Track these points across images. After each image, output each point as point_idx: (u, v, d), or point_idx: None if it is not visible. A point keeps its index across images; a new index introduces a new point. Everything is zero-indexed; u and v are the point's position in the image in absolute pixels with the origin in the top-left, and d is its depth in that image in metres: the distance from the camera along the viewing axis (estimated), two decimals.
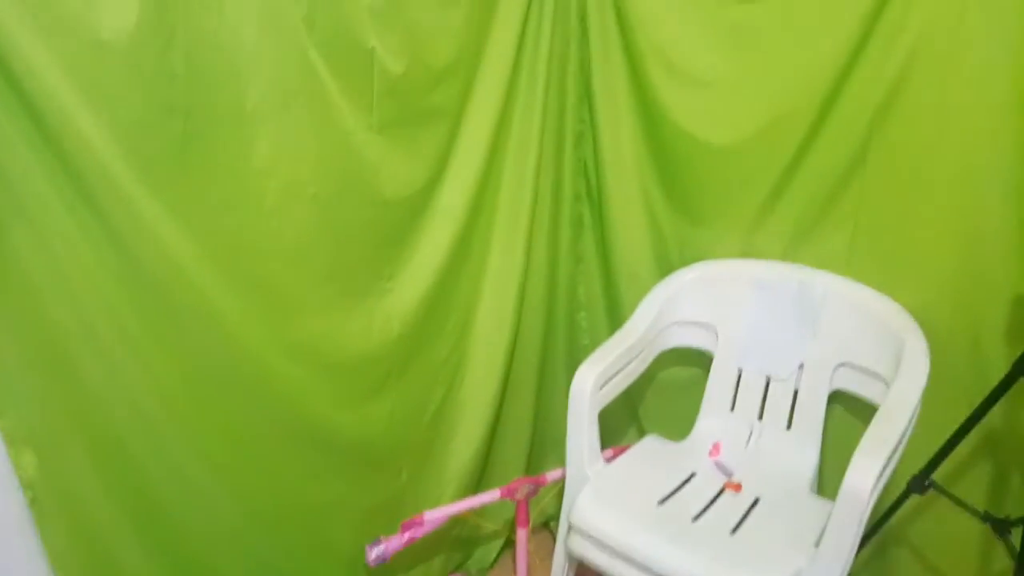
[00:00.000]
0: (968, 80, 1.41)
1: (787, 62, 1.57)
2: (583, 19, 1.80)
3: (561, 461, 1.65)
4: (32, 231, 1.08)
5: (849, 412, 1.73)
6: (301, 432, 1.51)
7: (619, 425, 2.13)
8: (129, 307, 1.20)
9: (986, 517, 1.42)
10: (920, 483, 1.45)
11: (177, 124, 1.16)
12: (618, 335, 1.73)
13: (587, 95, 1.87)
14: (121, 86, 1.08)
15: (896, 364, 1.48)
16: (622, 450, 1.79)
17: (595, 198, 1.97)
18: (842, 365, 1.65)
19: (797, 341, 1.71)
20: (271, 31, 1.23)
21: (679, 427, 1.83)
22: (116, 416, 1.25)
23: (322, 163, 1.39)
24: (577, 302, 2.11)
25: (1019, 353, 1.33)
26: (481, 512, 1.89)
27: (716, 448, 1.75)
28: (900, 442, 1.33)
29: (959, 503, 1.45)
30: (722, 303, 1.79)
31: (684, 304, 1.82)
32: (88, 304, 1.16)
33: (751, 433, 1.76)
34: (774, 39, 1.58)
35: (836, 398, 1.70)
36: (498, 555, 2.08)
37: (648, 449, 1.79)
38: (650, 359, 1.82)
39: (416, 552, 1.81)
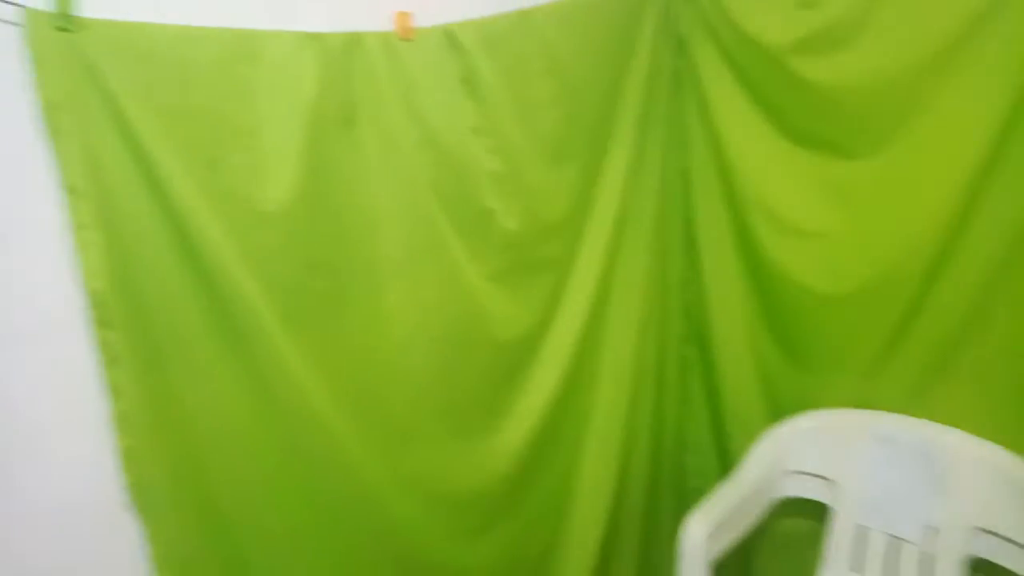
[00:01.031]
0: None
1: (894, 217, 1.58)
2: (685, 173, 1.89)
3: None
4: (188, 367, 1.21)
5: None
6: (411, 563, 1.54)
7: None
8: (264, 438, 1.31)
9: None
10: None
11: (319, 279, 1.31)
12: (729, 483, 1.68)
13: (692, 241, 1.93)
14: (275, 248, 1.24)
15: None
16: None
17: (702, 340, 1.99)
18: (980, 531, 1.52)
19: (924, 501, 1.60)
20: (404, 196, 1.38)
21: None
22: (245, 539, 1.33)
23: (442, 309, 1.50)
24: (685, 444, 2.08)
25: None
26: None
27: None
28: None
29: None
30: (840, 454, 1.71)
31: (799, 453, 1.75)
32: (228, 434, 1.27)
33: None
34: (879, 195, 1.60)
35: (980, 567, 1.56)
36: None
37: None
38: (763, 509, 1.75)
39: None
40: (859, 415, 1.73)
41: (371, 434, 1.42)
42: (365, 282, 1.37)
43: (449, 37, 1.39)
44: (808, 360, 1.80)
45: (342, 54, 1.26)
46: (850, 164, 1.64)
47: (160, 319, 1.16)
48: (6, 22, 0.97)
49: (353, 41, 1.27)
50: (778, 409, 1.84)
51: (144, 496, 1.18)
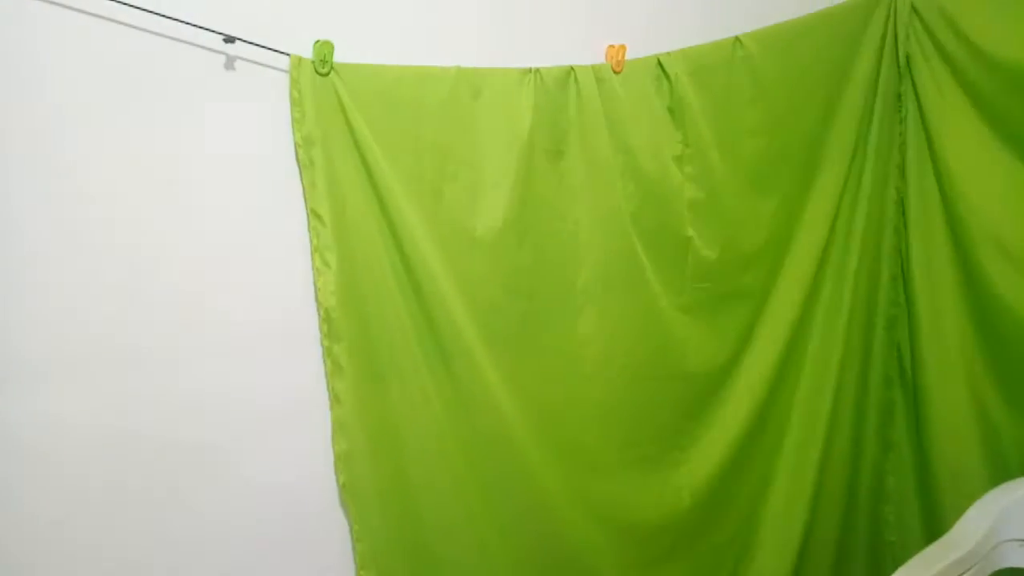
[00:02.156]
0: None
1: None
2: (901, 203, 1.75)
3: None
4: (400, 380, 1.29)
5: None
6: None
7: None
8: (460, 454, 1.36)
9: None
10: None
11: (520, 304, 1.35)
12: (941, 544, 1.53)
13: (902, 278, 1.79)
14: (483, 274, 1.30)
15: None
16: None
17: (909, 383, 1.83)
18: None
19: None
20: (603, 225, 1.40)
21: None
22: (438, 543, 1.39)
23: (633, 337, 1.49)
24: (884, 494, 1.92)
25: None
26: None
27: None
28: None
29: None
30: None
31: None
32: (429, 443, 1.34)
33: None
34: None
35: None
36: None
37: None
38: None
39: None
40: None
41: (557, 456, 1.44)
42: (561, 308, 1.40)
43: (658, 67, 1.40)
44: None
45: (556, 87, 1.30)
46: None
47: (379, 335, 1.25)
48: (275, 68, 1.09)
49: (567, 74, 1.31)
50: (1002, 465, 1.66)
51: (354, 496, 1.28)
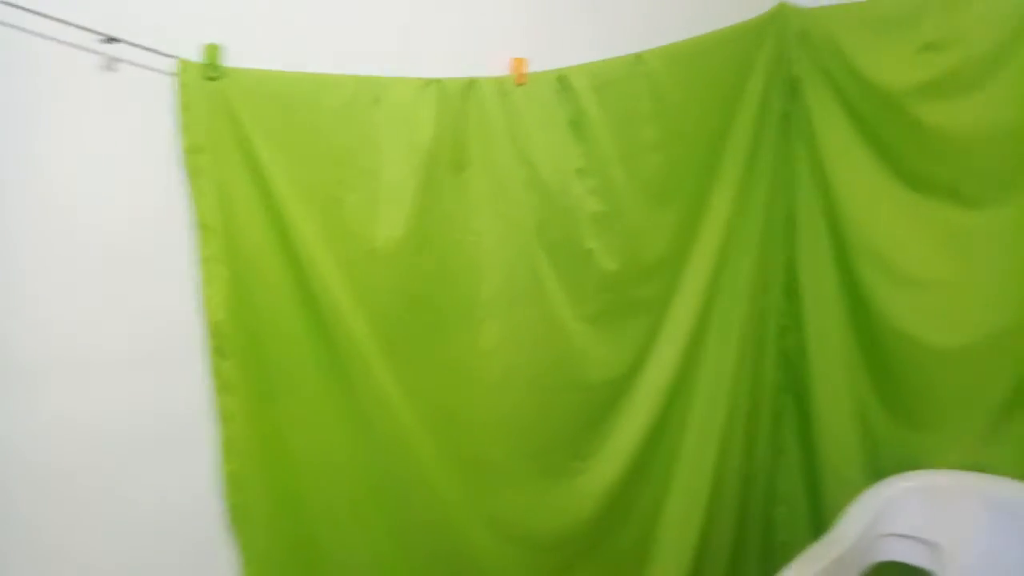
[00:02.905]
0: None
1: (1017, 270, 1.50)
2: (791, 218, 1.84)
3: None
4: (295, 396, 1.24)
5: None
6: None
7: None
8: (359, 467, 1.33)
9: None
10: None
11: (421, 316, 1.33)
12: (825, 542, 1.61)
13: (794, 288, 1.88)
14: (382, 285, 1.27)
15: None
16: None
17: (799, 390, 1.92)
18: None
19: None
20: (507, 236, 1.40)
21: None
22: (331, 569, 1.35)
23: (536, 348, 1.50)
24: (775, 496, 2.01)
25: None
26: None
27: None
28: None
29: None
30: (948, 520, 1.62)
31: (902, 515, 1.67)
32: (326, 462, 1.29)
33: None
34: (1003, 245, 1.52)
35: None
36: None
37: None
38: (860, 572, 1.66)
39: None
40: (970, 478, 1.64)
41: (459, 469, 1.43)
42: (464, 320, 1.39)
43: (561, 81, 1.41)
44: (915, 417, 1.71)
45: (459, 98, 1.29)
46: (972, 212, 1.57)
47: (272, 350, 1.20)
48: (159, 72, 1.03)
49: (469, 86, 1.30)
50: (879, 467, 1.76)
51: (243, 519, 1.22)
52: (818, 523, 1.87)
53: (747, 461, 1.93)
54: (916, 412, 1.71)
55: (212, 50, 1.05)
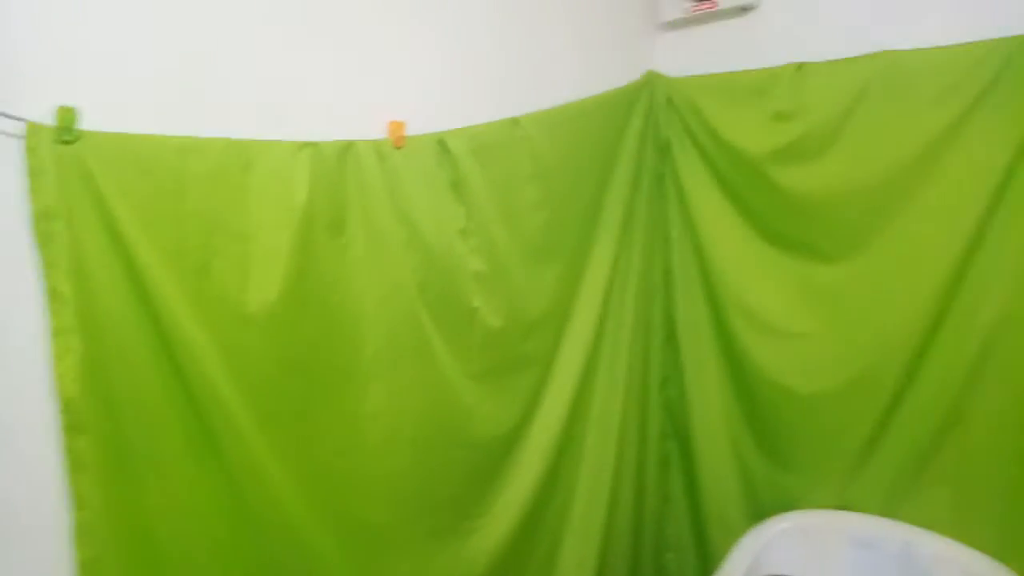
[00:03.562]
0: None
1: (870, 319, 1.63)
2: (668, 273, 1.94)
3: None
4: (161, 480, 1.15)
5: None
6: None
7: None
8: (234, 546, 1.25)
9: None
10: None
11: (299, 382, 1.29)
12: None
13: (673, 340, 1.96)
14: (255, 350, 1.22)
15: None
16: None
17: (682, 438, 1.99)
18: None
19: None
20: (389, 297, 1.39)
21: None
22: None
23: (422, 408, 1.48)
24: (665, 542, 2.06)
25: None
26: None
27: None
28: None
29: None
30: (819, 558, 1.70)
31: (778, 555, 1.73)
32: (198, 544, 1.21)
33: None
34: (857, 297, 1.65)
35: None
36: None
37: None
38: None
39: None
40: (838, 517, 1.73)
41: (342, 538, 1.38)
42: (346, 383, 1.36)
43: (440, 144, 1.43)
44: (787, 460, 1.81)
45: (335, 161, 1.29)
46: (828, 267, 1.69)
47: (133, 426, 1.12)
48: (10, 135, 0.98)
49: (346, 149, 1.30)
50: (758, 509, 1.84)
51: None
52: (706, 567, 1.93)
53: (637, 510, 1.97)
54: (788, 455, 1.80)
55: (66, 113, 1.01)
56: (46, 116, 1.00)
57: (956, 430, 1.56)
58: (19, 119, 0.97)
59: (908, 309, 1.57)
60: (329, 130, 1.29)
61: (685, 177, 1.86)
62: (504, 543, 1.65)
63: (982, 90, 1.42)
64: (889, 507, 1.67)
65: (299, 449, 1.30)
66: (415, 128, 1.40)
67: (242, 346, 1.21)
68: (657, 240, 1.94)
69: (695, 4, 1.78)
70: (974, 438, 1.55)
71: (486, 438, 1.61)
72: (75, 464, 1.07)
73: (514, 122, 1.55)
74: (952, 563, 1.56)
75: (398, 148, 1.38)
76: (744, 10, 1.74)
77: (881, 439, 1.66)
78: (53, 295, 1.03)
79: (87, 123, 1.03)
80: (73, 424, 1.06)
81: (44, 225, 1.01)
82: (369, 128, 1.34)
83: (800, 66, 1.64)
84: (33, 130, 0.99)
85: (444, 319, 1.49)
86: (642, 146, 1.85)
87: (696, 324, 1.91)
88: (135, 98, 1.10)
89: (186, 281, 1.14)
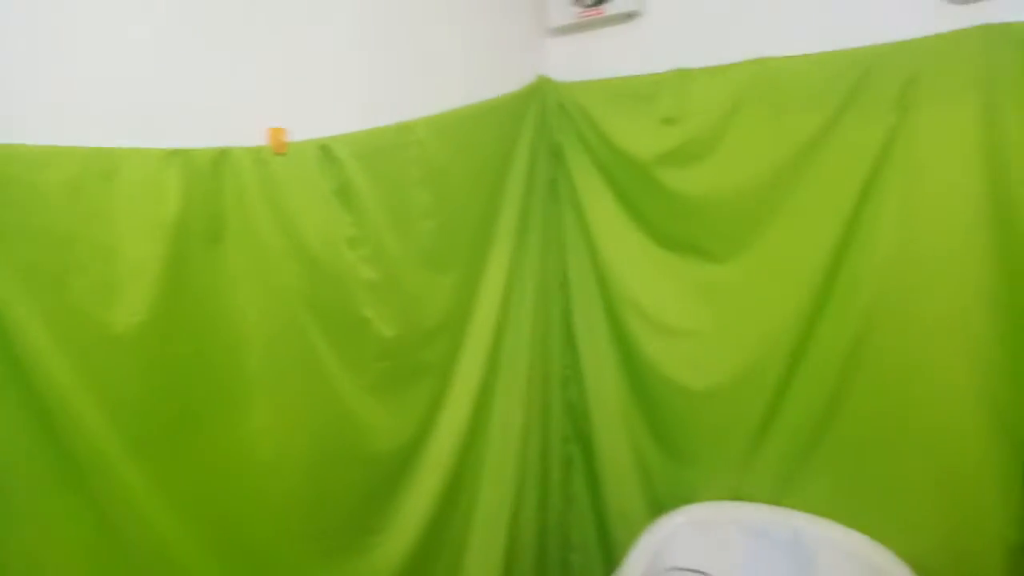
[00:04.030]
0: (927, 335, 1.50)
1: (755, 316, 1.69)
2: (564, 276, 1.95)
3: None
4: (16, 525, 1.05)
5: None
6: None
7: None
8: None
9: None
10: None
11: (177, 400, 1.21)
12: None
13: (572, 342, 1.98)
14: (123, 372, 1.14)
15: None
16: None
17: (584, 439, 2.01)
18: None
19: None
20: (274, 310, 1.33)
21: None
22: None
23: (314, 423, 1.43)
24: (570, 544, 2.07)
25: None
26: None
27: None
28: None
29: None
30: (715, 549, 1.76)
31: (677, 549, 1.78)
32: None
33: None
34: (741, 296, 1.71)
35: None
36: None
37: None
38: None
39: None
40: (731, 507, 1.79)
41: (232, 566, 1.31)
42: (226, 402, 1.28)
43: (324, 151, 1.39)
44: (684, 455, 1.85)
45: (209, 169, 1.22)
46: (715, 267, 1.75)
47: None
48: None
49: (221, 156, 1.24)
50: (658, 504, 1.88)
51: None
52: (610, 565, 1.95)
53: (541, 513, 1.98)
54: (684, 450, 1.85)
55: None
56: None
57: (835, 420, 1.64)
58: None
59: (788, 306, 1.64)
60: (202, 137, 1.22)
61: (578, 181, 1.89)
62: (406, 556, 1.62)
63: (845, 98, 1.50)
64: (778, 496, 1.74)
65: (177, 475, 1.22)
66: (297, 134, 1.35)
67: (108, 368, 1.12)
68: (553, 244, 1.95)
69: (583, 10, 1.80)
70: (851, 426, 1.63)
71: (384, 451, 1.58)
72: None
73: (402, 127, 1.53)
74: (836, 546, 1.64)
75: (279, 155, 1.32)
76: (630, 16, 1.78)
77: (768, 431, 1.72)
78: None
79: None
80: None
81: None
82: (247, 134, 1.28)
83: (683, 72, 1.68)
84: None
85: (334, 330, 1.44)
86: (535, 151, 1.86)
87: (593, 326, 1.93)
88: None
89: (42, 301, 1.05)
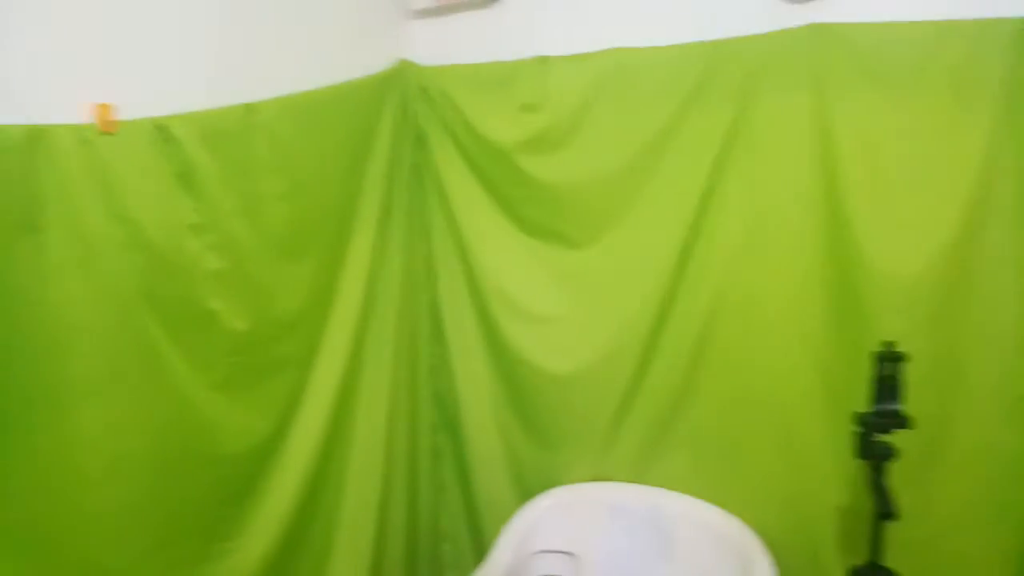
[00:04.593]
0: (768, 317, 1.60)
1: (614, 301, 1.74)
2: (430, 262, 1.93)
3: None
4: None
5: None
6: None
7: None
8: None
9: None
10: None
11: None
12: (482, 570, 1.68)
13: (439, 329, 1.96)
14: None
15: None
16: None
17: (453, 427, 2.00)
18: None
19: (656, 565, 1.73)
20: (105, 305, 1.21)
21: None
22: None
23: (155, 427, 1.32)
24: (440, 533, 2.06)
25: (852, 565, 1.42)
26: None
27: None
28: None
29: None
30: (580, 529, 1.80)
31: (544, 532, 1.81)
32: None
33: None
34: (600, 282, 1.76)
35: None
36: None
37: None
38: None
39: None
40: (595, 488, 1.85)
41: None
42: (46, 409, 1.16)
43: (161, 131, 1.27)
44: (550, 440, 1.89)
45: (22, 149, 1.09)
46: (576, 253, 1.78)
47: None
48: None
49: (36, 135, 1.11)
50: (527, 490, 1.90)
51: None
52: (481, 554, 1.95)
53: (411, 505, 1.95)
54: (550, 435, 1.88)
55: None
56: None
57: (689, 400, 1.73)
58: None
59: (645, 291, 1.70)
60: (11, 113, 1.09)
61: (442, 167, 1.86)
62: (264, 561, 1.54)
63: (692, 90, 1.57)
64: (639, 474, 1.81)
65: None
66: (129, 112, 1.24)
67: None
68: (418, 231, 1.92)
69: None
70: (704, 406, 1.72)
71: (237, 451, 1.49)
72: None
73: (250, 107, 1.44)
74: (692, 518, 1.72)
75: (107, 134, 1.21)
76: (490, 1, 1.76)
77: (628, 413, 1.79)
78: None
79: None
80: None
81: None
82: (67, 111, 1.16)
83: (543, 59, 1.70)
84: None
85: (177, 325, 1.33)
86: (397, 136, 1.81)
87: (461, 313, 1.92)
88: None
89: None
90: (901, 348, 1.36)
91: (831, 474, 1.58)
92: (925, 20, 1.39)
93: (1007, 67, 1.34)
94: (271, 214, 1.50)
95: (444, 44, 1.85)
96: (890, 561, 1.42)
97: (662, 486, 1.78)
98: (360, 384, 1.77)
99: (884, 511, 1.29)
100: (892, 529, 1.39)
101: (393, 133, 1.80)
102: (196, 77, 1.38)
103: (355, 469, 1.77)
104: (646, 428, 1.77)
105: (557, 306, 1.80)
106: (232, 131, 1.40)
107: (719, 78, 1.55)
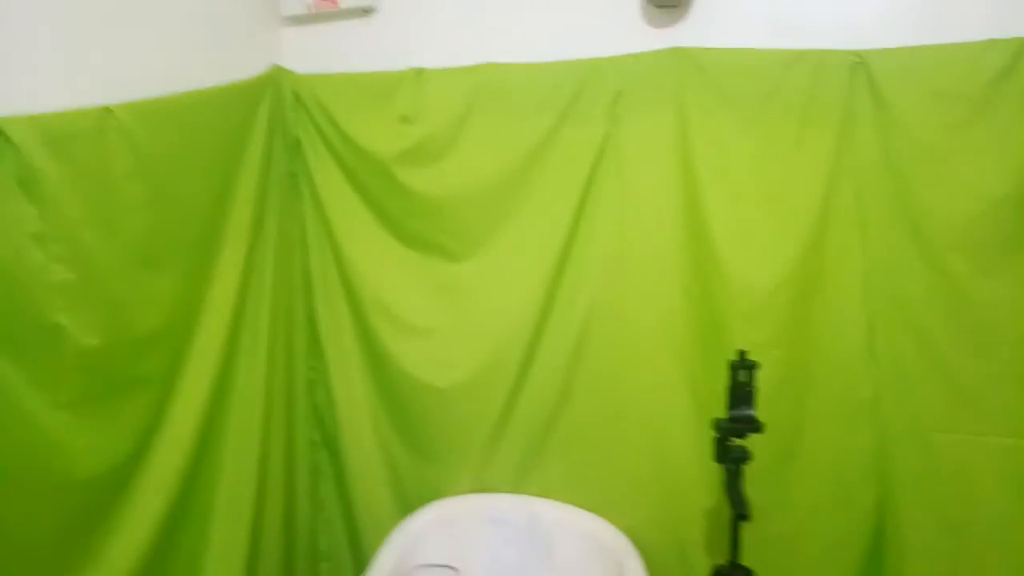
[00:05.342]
0: (638, 329, 1.66)
1: (492, 314, 1.76)
2: (306, 274, 1.88)
3: None
4: None
5: None
6: None
7: None
8: None
9: None
10: None
11: None
12: None
13: (316, 342, 1.91)
14: None
15: None
16: None
17: (332, 443, 1.95)
18: None
19: (537, 572, 1.75)
20: None
21: None
22: None
23: None
24: (319, 553, 2.00)
25: (715, 564, 1.48)
26: None
27: None
28: None
29: None
30: (461, 541, 1.80)
31: (425, 546, 1.79)
32: None
33: None
34: (479, 294, 1.77)
35: None
36: None
37: None
38: None
39: None
40: (476, 500, 1.85)
41: None
42: None
43: None
44: (431, 453, 1.87)
45: None
46: (456, 265, 1.79)
47: None
48: None
49: None
50: (408, 504, 1.88)
51: None
52: (361, 572, 1.91)
53: (287, 524, 1.88)
54: (431, 448, 1.87)
55: None
56: None
57: (565, 410, 1.76)
58: None
59: (522, 304, 1.73)
60: None
61: (318, 177, 1.82)
62: None
63: (565, 106, 1.61)
64: (518, 484, 1.82)
65: None
66: None
67: None
68: (294, 241, 1.86)
69: (317, 0, 1.74)
70: (579, 416, 1.76)
71: (89, 475, 1.39)
72: None
73: (103, 111, 1.35)
74: (568, 525, 1.75)
75: None
76: (365, 12, 1.75)
77: (507, 424, 1.80)
78: None
79: None
80: None
81: None
82: None
83: (419, 72, 1.70)
84: None
85: (16, 340, 1.23)
86: (270, 143, 1.76)
87: (339, 325, 1.88)
88: None
89: None
90: (756, 357, 1.43)
91: (698, 478, 1.65)
92: (775, 48, 1.49)
93: (843, 94, 1.45)
94: (129, 223, 1.42)
95: (320, 53, 1.82)
96: (752, 558, 1.49)
97: (540, 495, 1.80)
98: (230, 401, 1.70)
99: (739, 512, 1.36)
100: (752, 528, 1.46)
101: (266, 141, 1.75)
102: (45, 75, 1.30)
103: (225, 489, 1.69)
104: (525, 438, 1.79)
105: (437, 318, 1.80)
106: (83, 135, 1.32)
107: (591, 95, 1.60)
